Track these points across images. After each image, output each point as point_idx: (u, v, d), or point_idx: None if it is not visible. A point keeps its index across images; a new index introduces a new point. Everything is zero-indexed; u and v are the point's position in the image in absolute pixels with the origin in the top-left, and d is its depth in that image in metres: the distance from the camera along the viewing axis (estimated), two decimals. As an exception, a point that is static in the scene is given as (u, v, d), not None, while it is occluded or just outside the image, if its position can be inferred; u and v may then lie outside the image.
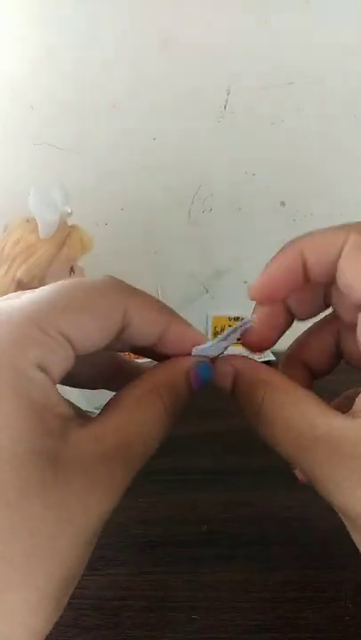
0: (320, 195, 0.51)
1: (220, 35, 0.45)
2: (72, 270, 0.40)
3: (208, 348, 0.22)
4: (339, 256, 0.20)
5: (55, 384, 0.18)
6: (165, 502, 0.30)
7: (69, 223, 0.40)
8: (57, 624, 0.24)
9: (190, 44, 0.45)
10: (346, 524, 0.20)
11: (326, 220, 0.55)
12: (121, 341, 0.21)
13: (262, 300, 0.22)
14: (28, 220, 0.38)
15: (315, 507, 0.29)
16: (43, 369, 0.18)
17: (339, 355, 0.24)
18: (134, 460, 0.18)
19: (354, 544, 0.28)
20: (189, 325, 0.22)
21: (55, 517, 0.16)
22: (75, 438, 0.18)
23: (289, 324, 0.24)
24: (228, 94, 0.47)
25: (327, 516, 0.29)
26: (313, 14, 0.44)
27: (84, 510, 0.16)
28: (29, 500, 0.16)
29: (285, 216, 0.51)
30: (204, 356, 0.23)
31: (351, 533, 0.20)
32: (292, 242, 0.22)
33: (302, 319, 0.24)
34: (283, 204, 0.51)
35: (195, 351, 0.22)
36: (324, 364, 0.25)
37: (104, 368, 0.24)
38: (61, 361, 0.18)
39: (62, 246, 0.38)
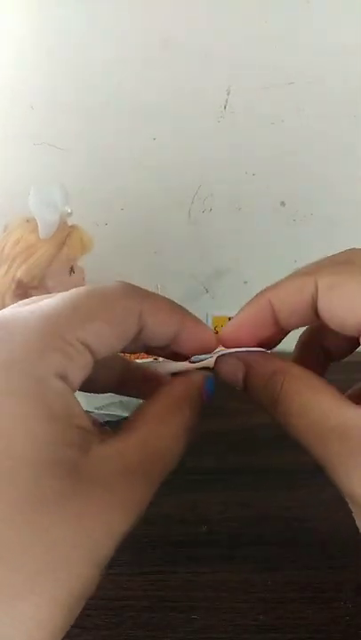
0: (320, 195, 0.51)
1: (220, 35, 0.45)
2: (72, 270, 0.40)
3: (208, 356, 0.23)
4: (311, 303, 0.21)
5: (74, 392, 0.18)
6: (166, 502, 0.30)
7: (69, 223, 0.40)
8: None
9: (190, 43, 0.45)
10: (353, 510, 0.20)
11: (326, 220, 0.55)
12: (135, 343, 0.21)
13: (232, 345, 0.23)
14: (28, 220, 0.38)
15: (315, 507, 0.29)
16: (63, 377, 0.18)
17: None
18: (155, 477, 0.18)
19: (354, 544, 0.28)
20: (202, 323, 0.22)
21: (73, 530, 0.16)
22: (96, 451, 0.17)
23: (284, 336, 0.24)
24: (228, 94, 0.47)
25: (327, 516, 0.29)
26: (313, 14, 0.44)
27: (104, 525, 0.16)
28: (47, 509, 0.16)
29: (285, 216, 0.51)
30: (206, 367, 0.23)
31: (357, 521, 0.20)
32: (261, 292, 0.23)
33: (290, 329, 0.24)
34: (283, 204, 0.51)
35: (195, 358, 0.23)
36: (343, 347, 0.24)
37: (116, 372, 0.24)
38: (81, 369, 0.18)
39: (62, 246, 0.38)
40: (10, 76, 0.46)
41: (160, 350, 0.23)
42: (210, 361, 0.23)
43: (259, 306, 0.23)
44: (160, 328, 0.21)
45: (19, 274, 0.37)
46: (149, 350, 0.23)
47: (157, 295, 0.22)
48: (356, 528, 0.29)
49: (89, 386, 0.21)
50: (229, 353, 0.23)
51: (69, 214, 0.39)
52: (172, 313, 0.22)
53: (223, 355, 0.23)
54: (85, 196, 0.49)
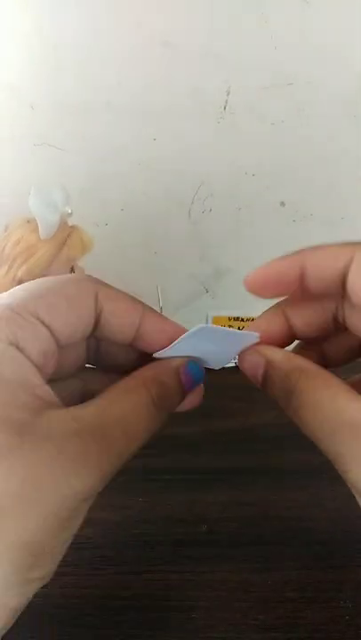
0: (320, 195, 0.51)
1: (220, 35, 0.45)
2: (72, 270, 0.40)
3: (177, 346, 0.23)
4: (342, 272, 0.21)
5: (35, 364, 0.19)
6: (165, 501, 0.30)
7: (70, 223, 0.40)
8: (57, 623, 0.24)
9: (190, 44, 0.45)
10: (358, 500, 0.20)
11: (326, 220, 0.55)
12: (100, 333, 0.22)
13: (254, 290, 0.23)
14: (28, 221, 0.38)
15: (315, 507, 0.29)
16: (17, 347, 0.19)
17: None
18: (114, 446, 0.18)
19: (354, 544, 0.28)
20: (166, 318, 0.23)
21: (19, 480, 0.16)
22: (50, 415, 0.18)
23: (290, 344, 0.25)
24: (228, 95, 0.47)
25: (327, 516, 0.29)
26: (313, 14, 0.44)
27: (52, 480, 0.16)
28: None
29: (285, 216, 0.51)
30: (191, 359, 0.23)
31: None
32: (299, 250, 0.22)
33: (305, 339, 0.25)
34: (283, 204, 0.51)
35: (159, 354, 0.23)
36: (340, 356, 0.25)
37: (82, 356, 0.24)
38: (35, 340, 0.19)
39: (63, 246, 0.38)
40: (10, 76, 0.46)
41: (123, 355, 0.24)
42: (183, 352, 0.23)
43: (291, 259, 0.22)
44: (119, 314, 0.22)
45: (19, 274, 0.37)
46: (112, 361, 0.24)
47: (114, 287, 0.23)
48: (357, 527, 0.29)
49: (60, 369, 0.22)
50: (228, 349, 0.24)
51: (70, 214, 0.39)
52: (130, 301, 0.23)
53: (246, 351, 0.23)
54: (85, 196, 0.49)
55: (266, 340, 0.24)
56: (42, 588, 0.24)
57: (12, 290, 0.20)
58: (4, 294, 0.20)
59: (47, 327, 0.20)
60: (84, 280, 0.22)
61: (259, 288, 0.23)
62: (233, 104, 0.47)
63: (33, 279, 0.37)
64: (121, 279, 0.55)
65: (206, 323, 0.55)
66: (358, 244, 0.22)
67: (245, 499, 0.31)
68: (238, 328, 0.55)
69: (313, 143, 0.49)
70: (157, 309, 0.45)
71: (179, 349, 0.23)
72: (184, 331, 0.24)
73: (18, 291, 0.20)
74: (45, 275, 0.38)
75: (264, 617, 0.25)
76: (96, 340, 0.24)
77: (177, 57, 0.46)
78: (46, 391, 0.19)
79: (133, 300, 0.23)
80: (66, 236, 0.39)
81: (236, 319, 0.54)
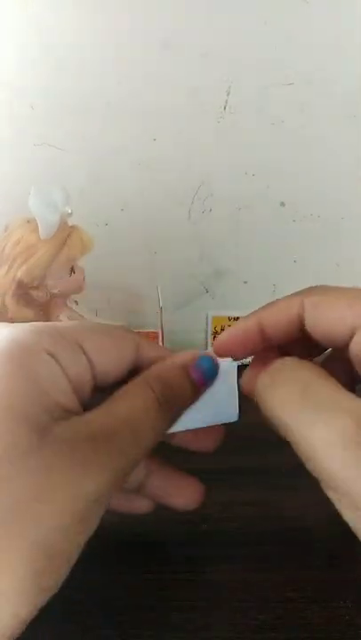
0: (320, 195, 0.51)
1: (219, 35, 0.45)
2: (72, 270, 0.40)
3: None
4: (295, 319, 0.24)
5: (69, 380, 0.20)
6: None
7: (69, 223, 0.40)
8: (57, 623, 0.24)
9: (190, 44, 0.45)
10: (335, 498, 0.20)
11: (326, 220, 0.55)
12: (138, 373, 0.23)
13: (223, 354, 0.25)
14: (28, 221, 0.38)
15: (315, 507, 0.29)
16: (53, 357, 0.20)
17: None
18: (122, 446, 0.19)
19: (354, 544, 0.28)
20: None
21: (35, 482, 0.16)
22: (69, 421, 0.19)
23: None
24: (228, 94, 0.47)
25: (327, 516, 0.29)
26: (313, 14, 0.44)
27: (65, 481, 0.17)
28: (11, 461, 0.16)
29: (285, 216, 0.51)
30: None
31: (343, 511, 0.21)
32: (252, 312, 0.25)
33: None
34: (283, 204, 0.51)
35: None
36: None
37: None
38: (73, 364, 0.20)
39: (63, 246, 0.38)
40: (10, 75, 0.46)
41: None
42: None
43: (248, 321, 0.24)
44: (158, 356, 0.23)
45: (19, 274, 0.37)
46: None
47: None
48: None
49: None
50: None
51: (70, 215, 0.39)
52: (166, 350, 0.24)
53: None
54: (85, 196, 0.49)
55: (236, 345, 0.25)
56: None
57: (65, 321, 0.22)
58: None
59: (87, 357, 0.21)
60: (128, 330, 0.24)
61: (227, 351, 0.25)
62: (233, 104, 0.47)
63: (33, 279, 0.38)
64: (121, 279, 0.56)
65: (206, 323, 0.55)
66: (304, 291, 0.25)
67: (245, 499, 0.31)
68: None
69: (313, 143, 0.49)
70: (157, 309, 0.45)
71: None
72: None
73: (70, 321, 0.23)
74: (45, 275, 0.38)
75: (264, 617, 0.25)
76: None
77: (177, 57, 0.46)
78: (69, 399, 0.20)
79: (165, 347, 0.26)
80: (66, 235, 0.39)
81: (236, 319, 0.54)
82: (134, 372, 0.23)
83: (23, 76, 0.46)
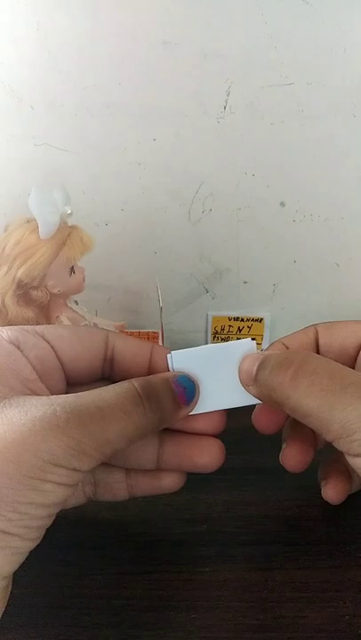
0: (320, 195, 0.51)
1: (220, 35, 0.45)
2: (72, 270, 0.40)
3: (187, 352, 0.25)
4: (312, 341, 0.27)
5: (32, 364, 0.22)
6: (165, 501, 0.30)
7: (69, 223, 0.40)
8: (57, 623, 0.24)
9: (190, 44, 0.45)
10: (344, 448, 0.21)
11: (326, 220, 0.55)
12: (116, 372, 0.25)
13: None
14: (28, 221, 0.38)
15: (315, 506, 0.29)
16: (14, 344, 0.22)
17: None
18: (86, 419, 0.19)
19: (354, 543, 0.28)
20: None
21: None
22: (33, 395, 0.20)
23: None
24: (228, 94, 0.47)
25: (327, 516, 0.29)
26: (313, 14, 0.44)
27: (16, 436, 0.18)
28: None
29: (285, 216, 0.51)
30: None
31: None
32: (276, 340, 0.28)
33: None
34: (283, 204, 0.51)
35: (174, 352, 0.25)
36: None
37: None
38: (34, 348, 0.22)
39: (63, 246, 0.38)
40: (10, 76, 0.46)
41: None
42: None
43: (273, 346, 0.27)
44: (131, 350, 0.24)
45: (19, 274, 0.37)
46: None
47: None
48: (357, 527, 0.29)
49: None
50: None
51: (70, 215, 0.39)
52: (140, 340, 0.25)
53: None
54: (85, 196, 0.49)
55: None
56: (39, 586, 0.24)
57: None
58: None
59: (49, 343, 0.23)
60: (95, 327, 0.27)
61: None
62: (233, 104, 0.47)
63: (33, 279, 0.38)
64: (121, 279, 0.56)
65: (206, 323, 0.55)
66: (315, 325, 0.27)
67: (245, 499, 0.31)
68: (238, 328, 0.55)
69: (313, 143, 0.49)
70: (157, 309, 0.45)
71: (193, 354, 0.25)
72: None
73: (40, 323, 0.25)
74: (45, 275, 0.38)
75: (264, 617, 0.25)
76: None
77: (177, 57, 0.46)
78: (40, 386, 0.22)
79: (142, 340, 0.26)
80: (66, 235, 0.39)
81: (236, 319, 0.54)
82: (111, 366, 0.24)
83: (23, 76, 0.46)
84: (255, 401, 0.25)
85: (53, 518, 0.21)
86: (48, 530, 0.21)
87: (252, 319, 0.53)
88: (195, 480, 0.31)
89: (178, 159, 0.49)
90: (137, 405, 0.21)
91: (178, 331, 0.55)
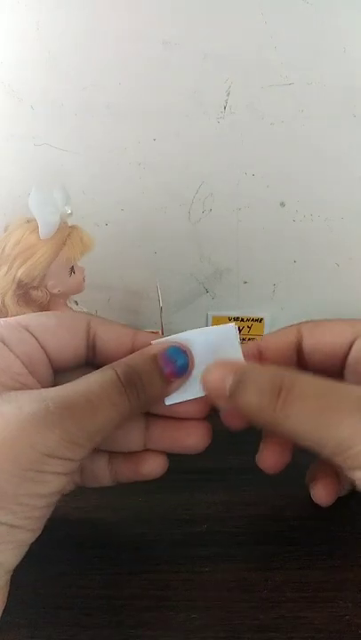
0: (320, 195, 0.51)
1: (220, 35, 0.45)
2: (72, 270, 0.40)
3: (170, 340, 0.24)
4: (293, 343, 0.25)
5: (19, 359, 0.22)
6: (165, 501, 0.30)
7: (69, 223, 0.40)
8: (57, 623, 0.24)
9: (190, 44, 0.45)
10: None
11: (326, 220, 0.55)
12: (99, 357, 0.24)
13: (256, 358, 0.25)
14: (28, 221, 0.38)
15: (315, 506, 0.29)
16: (4, 343, 0.22)
17: None
18: (76, 410, 0.20)
19: (354, 543, 0.28)
20: (154, 334, 0.25)
21: None
22: (23, 391, 0.21)
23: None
24: (228, 95, 0.47)
25: (327, 516, 0.29)
26: (313, 14, 0.44)
27: (9, 431, 0.19)
28: None
29: (285, 216, 0.51)
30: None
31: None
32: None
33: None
34: (283, 204, 0.51)
35: (155, 344, 0.24)
36: None
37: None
38: (20, 343, 0.22)
39: (63, 246, 0.39)
40: (10, 76, 0.46)
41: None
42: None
43: (248, 346, 0.25)
44: (113, 335, 0.24)
45: (19, 274, 0.37)
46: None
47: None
48: (357, 527, 0.29)
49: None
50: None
51: (70, 215, 0.39)
52: (122, 326, 0.25)
53: (209, 368, 0.24)
54: (85, 196, 0.49)
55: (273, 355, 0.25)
56: (39, 586, 0.24)
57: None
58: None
59: (34, 336, 0.23)
60: (77, 312, 0.27)
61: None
62: (233, 104, 0.47)
63: (33, 279, 0.38)
64: (121, 279, 0.56)
65: (206, 323, 0.55)
66: (299, 323, 0.26)
67: (245, 499, 0.31)
68: (238, 328, 0.55)
69: (313, 143, 0.49)
70: (157, 309, 0.45)
71: (176, 342, 0.24)
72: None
73: (19, 315, 0.24)
74: (45, 274, 0.38)
75: (264, 617, 0.25)
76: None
77: (177, 57, 0.46)
78: (30, 380, 0.22)
79: (125, 325, 0.25)
80: (66, 235, 0.39)
81: (236, 319, 0.54)
82: (94, 352, 0.24)
83: (23, 76, 0.46)
84: None
85: (52, 508, 0.21)
86: (48, 530, 0.21)
87: (252, 319, 0.54)
88: (195, 480, 0.31)
89: (178, 159, 0.49)
90: (120, 394, 0.21)
91: (178, 331, 0.54)
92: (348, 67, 0.46)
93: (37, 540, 0.21)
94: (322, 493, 0.27)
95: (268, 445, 0.26)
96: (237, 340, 0.25)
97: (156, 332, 0.47)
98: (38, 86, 0.46)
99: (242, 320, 0.54)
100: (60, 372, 0.24)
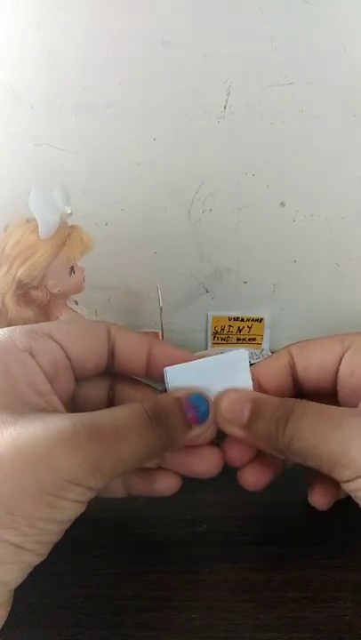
0: (320, 195, 0.51)
1: (220, 35, 0.45)
2: (72, 270, 0.40)
3: (187, 366, 0.25)
4: (286, 367, 0.26)
5: (43, 371, 0.22)
6: (165, 501, 0.30)
7: (69, 223, 0.40)
8: (57, 623, 0.24)
9: (190, 44, 0.45)
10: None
11: (326, 220, 0.55)
12: (117, 365, 0.25)
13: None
14: (28, 221, 0.38)
15: (315, 507, 0.29)
16: (27, 350, 0.22)
17: None
18: (104, 438, 0.20)
19: (354, 543, 0.28)
20: (174, 346, 0.26)
21: (5, 449, 0.18)
22: (46, 412, 0.21)
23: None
24: (228, 94, 0.47)
25: (327, 516, 0.29)
26: (313, 14, 0.44)
27: (36, 452, 0.18)
28: None
29: (285, 216, 0.51)
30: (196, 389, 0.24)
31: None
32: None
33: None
34: (283, 204, 0.51)
35: (169, 368, 0.25)
36: None
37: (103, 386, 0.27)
38: (46, 352, 0.23)
39: (62, 246, 0.38)
40: (10, 76, 0.46)
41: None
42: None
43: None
44: (131, 345, 0.25)
45: (19, 274, 0.37)
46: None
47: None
48: (357, 527, 0.29)
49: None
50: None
51: (69, 215, 0.39)
52: (140, 334, 0.26)
53: (225, 395, 0.24)
54: (85, 196, 0.49)
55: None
56: (39, 586, 0.24)
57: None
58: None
59: (59, 344, 0.23)
60: (97, 321, 0.27)
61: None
62: (233, 104, 0.47)
63: (33, 279, 0.38)
64: (121, 279, 0.56)
65: (206, 323, 0.55)
66: (288, 346, 0.26)
67: (245, 499, 0.31)
68: (238, 328, 0.55)
69: (313, 143, 0.49)
70: (157, 309, 0.45)
71: (188, 369, 0.25)
72: (185, 355, 0.26)
73: (40, 322, 0.24)
74: (45, 274, 0.38)
75: (264, 617, 0.25)
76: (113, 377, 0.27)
77: (177, 57, 0.46)
78: (52, 399, 0.22)
79: (142, 334, 0.26)
80: (66, 235, 0.39)
81: (236, 319, 0.54)
82: (112, 360, 0.25)
83: (23, 76, 0.46)
84: None
85: (62, 534, 0.21)
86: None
87: (252, 319, 0.53)
88: (195, 480, 0.31)
89: (178, 159, 0.49)
90: (147, 426, 0.21)
91: (178, 331, 0.55)
92: (348, 67, 0.46)
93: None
94: (320, 498, 0.27)
95: (250, 464, 0.27)
96: (248, 367, 0.25)
97: (157, 333, 0.48)
98: (38, 86, 0.46)
99: (242, 320, 0.54)
100: (80, 381, 0.25)
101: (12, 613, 0.23)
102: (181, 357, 0.25)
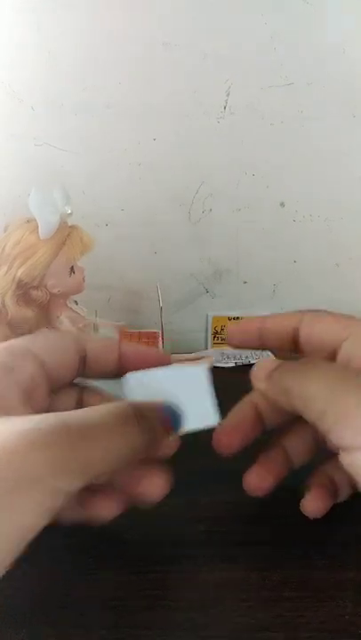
0: (320, 195, 0.51)
1: (220, 35, 0.45)
2: (72, 270, 0.40)
3: (142, 376, 0.25)
4: (290, 331, 0.26)
5: (23, 389, 0.23)
6: (165, 502, 0.30)
7: (69, 223, 0.40)
8: (57, 623, 0.24)
9: (190, 44, 0.45)
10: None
11: (326, 220, 0.55)
12: (88, 370, 0.25)
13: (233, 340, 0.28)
14: (28, 221, 0.38)
15: (314, 506, 0.29)
16: (11, 371, 0.22)
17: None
18: (72, 438, 0.19)
19: (354, 543, 0.28)
20: (142, 345, 0.27)
21: None
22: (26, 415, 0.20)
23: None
24: (228, 95, 0.47)
25: (327, 516, 0.29)
26: (313, 14, 0.44)
27: (1, 447, 0.18)
28: None
29: (285, 216, 0.51)
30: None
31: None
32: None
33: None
34: (283, 204, 0.51)
35: (131, 374, 0.25)
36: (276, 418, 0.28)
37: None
38: (24, 367, 0.23)
39: (62, 246, 0.38)
40: (11, 76, 0.46)
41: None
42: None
43: (251, 321, 0.27)
44: (100, 347, 0.25)
45: (19, 274, 0.37)
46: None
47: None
48: (357, 527, 0.29)
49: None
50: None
51: (69, 215, 0.39)
52: (108, 339, 0.27)
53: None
54: (85, 196, 0.49)
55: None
56: (40, 586, 0.24)
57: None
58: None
59: (39, 358, 0.24)
60: (68, 332, 0.29)
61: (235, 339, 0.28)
62: (233, 104, 0.47)
63: (33, 279, 0.38)
64: (121, 279, 0.56)
65: (206, 323, 0.55)
66: (302, 311, 0.27)
67: (245, 499, 0.31)
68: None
69: (313, 143, 0.49)
70: (157, 309, 0.45)
71: (149, 378, 0.25)
72: (155, 354, 0.26)
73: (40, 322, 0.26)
74: (45, 274, 0.38)
75: (263, 616, 0.24)
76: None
77: (177, 57, 0.46)
78: (22, 411, 0.22)
79: (108, 338, 0.28)
80: (65, 235, 0.39)
81: (236, 319, 0.54)
82: (84, 365, 0.25)
83: (24, 76, 0.46)
84: (207, 424, 0.26)
85: (23, 547, 0.19)
86: (46, 530, 0.21)
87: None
88: (195, 480, 0.31)
89: (178, 159, 0.49)
90: (131, 425, 0.21)
91: (178, 331, 0.55)
92: (347, 67, 0.46)
93: (36, 539, 0.21)
94: (311, 505, 0.27)
95: (254, 468, 0.28)
96: (207, 384, 0.26)
97: (157, 333, 0.47)
98: (38, 86, 0.46)
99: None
100: (54, 394, 0.25)
101: (10, 613, 0.23)
102: (153, 355, 0.25)
